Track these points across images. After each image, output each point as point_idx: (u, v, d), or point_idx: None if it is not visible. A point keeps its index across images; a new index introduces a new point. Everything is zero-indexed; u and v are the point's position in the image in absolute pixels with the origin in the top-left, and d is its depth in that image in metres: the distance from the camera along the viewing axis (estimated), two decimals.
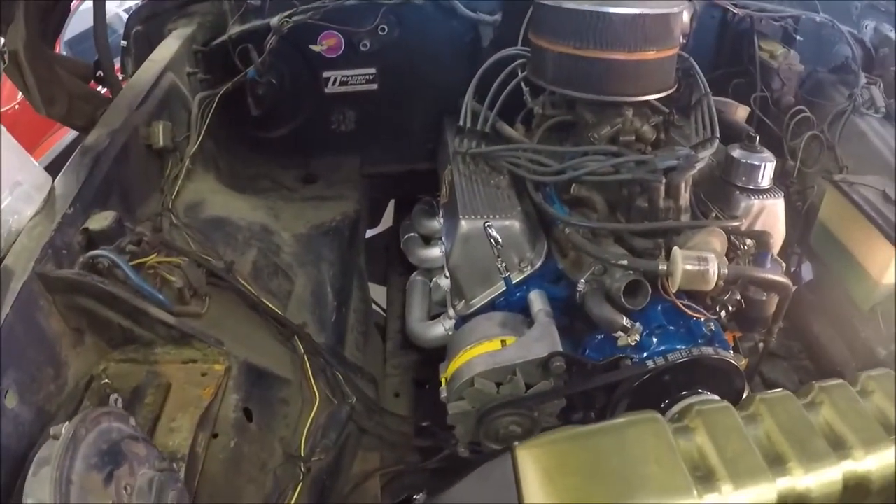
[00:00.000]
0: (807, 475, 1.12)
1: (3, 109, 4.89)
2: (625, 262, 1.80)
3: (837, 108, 2.68)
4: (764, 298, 1.98)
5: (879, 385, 1.28)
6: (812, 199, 2.53)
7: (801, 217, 2.54)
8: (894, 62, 2.81)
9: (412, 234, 2.71)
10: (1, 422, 1.33)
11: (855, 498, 1.13)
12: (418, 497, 1.53)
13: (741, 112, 2.54)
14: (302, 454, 1.82)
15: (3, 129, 1.90)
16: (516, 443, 1.24)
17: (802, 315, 2.53)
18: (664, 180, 1.89)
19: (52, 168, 1.94)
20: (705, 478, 1.12)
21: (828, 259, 2.47)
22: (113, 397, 1.38)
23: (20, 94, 4.92)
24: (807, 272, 2.68)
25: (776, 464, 1.14)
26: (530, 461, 1.19)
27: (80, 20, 4.37)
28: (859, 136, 2.59)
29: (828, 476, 1.13)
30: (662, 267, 1.76)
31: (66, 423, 1.15)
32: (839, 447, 1.15)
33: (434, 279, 2.39)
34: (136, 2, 6.61)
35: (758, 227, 2.06)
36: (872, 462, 1.13)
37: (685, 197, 1.95)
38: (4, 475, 1.30)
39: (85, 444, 1.14)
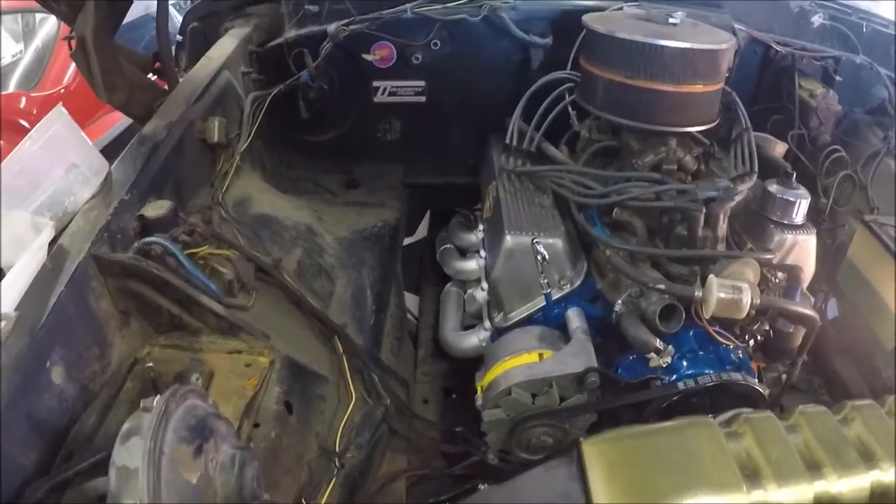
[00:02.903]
0: (839, 480, 1.21)
1: (47, 93, 5.01)
2: (661, 287, 1.84)
3: (872, 150, 2.71)
4: (791, 330, 2.01)
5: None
6: (842, 238, 2.56)
7: (830, 254, 2.57)
8: None
9: (448, 245, 2.76)
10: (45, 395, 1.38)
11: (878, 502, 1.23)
12: (483, 487, 1.58)
13: (779, 148, 2.57)
14: (337, 450, 1.86)
15: (64, 111, 1.97)
16: (582, 438, 1.32)
17: (825, 351, 2.55)
18: (704, 210, 1.94)
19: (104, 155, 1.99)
20: (751, 477, 1.20)
21: (854, 297, 2.49)
22: (193, 376, 1.42)
23: (65, 79, 5.07)
24: (832, 309, 2.71)
25: (813, 469, 1.22)
26: (596, 455, 1.27)
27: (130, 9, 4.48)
28: (892, 177, 2.61)
29: (857, 483, 1.21)
30: (698, 293, 1.80)
31: (157, 396, 1.19)
32: (868, 459, 1.24)
33: (469, 291, 2.43)
34: None
35: (789, 261, 2.08)
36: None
37: (723, 227, 1.99)
38: (43, 450, 1.34)
39: (175, 418, 1.17)
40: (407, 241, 3.24)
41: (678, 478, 1.21)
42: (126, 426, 1.15)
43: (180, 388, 1.25)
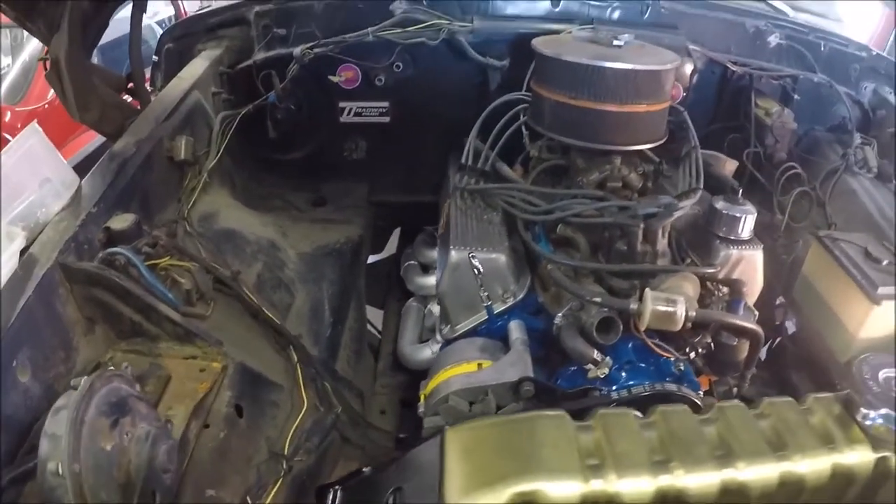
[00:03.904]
0: (686, 475, 1.25)
1: (32, 108, 5.08)
2: (599, 300, 1.89)
3: (831, 167, 2.76)
4: (735, 343, 2.03)
5: (775, 409, 1.42)
6: (797, 253, 2.60)
7: (786, 270, 2.61)
8: (893, 123, 2.88)
9: (412, 262, 2.82)
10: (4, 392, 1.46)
11: (733, 500, 1.27)
12: (366, 469, 1.68)
13: (729, 166, 2.63)
14: (285, 453, 1.92)
15: (39, 129, 2.07)
16: (447, 426, 1.41)
17: (784, 365, 2.59)
18: (642, 226, 1.99)
19: (78, 170, 2.08)
20: (594, 467, 1.25)
21: (809, 311, 2.51)
22: (124, 365, 1.53)
23: (49, 95, 5.15)
24: (791, 325, 2.74)
25: (659, 463, 1.27)
26: (455, 440, 1.37)
27: (113, 28, 4.54)
28: (850, 194, 2.66)
29: (706, 479, 1.26)
30: (633, 306, 1.84)
31: (85, 377, 1.32)
32: (723, 457, 1.28)
33: (428, 306, 2.50)
34: (167, 14, 6.94)
35: (736, 276, 2.12)
36: (751, 473, 1.26)
37: (662, 242, 2.05)
38: (8, 443, 1.43)
39: (98, 395, 1.32)
40: (374, 258, 3.31)
41: (521, 461, 1.27)
42: (58, 402, 1.30)
43: (106, 371, 1.40)
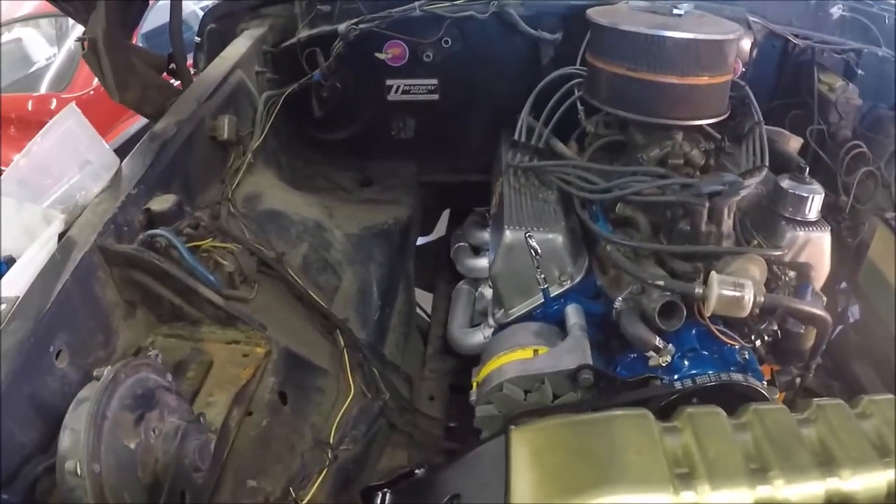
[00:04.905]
0: (787, 486, 1.11)
1: (77, 95, 5.15)
2: (661, 283, 1.81)
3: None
4: (802, 331, 1.94)
5: (878, 409, 1.28)
6: (863, 237, 2.50)
7: (851, 254, 2.51)
8: None
9: (462, 243, 2.76)
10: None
11: None
12: (419, 471, 1.58)
13: (794, 143, 2.52)
14: (331, 441, 1.88)
15: (78, 111, 2.04)
16: (512, 426, 1.29)
17: (846, 355, 2.49)
18: (707, 205, 1.90)
19: (120, 152, 2.06)
20: (684, 476, 1.12)
21: (875, 298, 2.43)
22: (153, 353, 1.47)
23: (94, 81, 5.22)
24: (854, 312, 2.64)
25: (757, 471, 1.14)
26: (522, 441, 1.25)
27: (157, 14, 4.58)
28: None
29: (809, 489, 1.11)
30: (698, 290, 1.76)
31: (108, 367, 1.26)
32: (826, 463, 1.15)
33: (479, 289, 2.44)
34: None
35: (802, 259, 2.03)
36: (858, 482, 1.12)
37: (728, 223, 1.95)
38: (43, 431, 1.39)
39: (122, 387, 1.25)
40: (424, 239, 3.28)
41: (600, 467, 1.15)
42: (80, 394, 1.24)
43: (133, 360, 1.35)
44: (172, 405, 1.36)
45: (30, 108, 4.95)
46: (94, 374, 1.25)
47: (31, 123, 4.78)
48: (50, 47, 5.51)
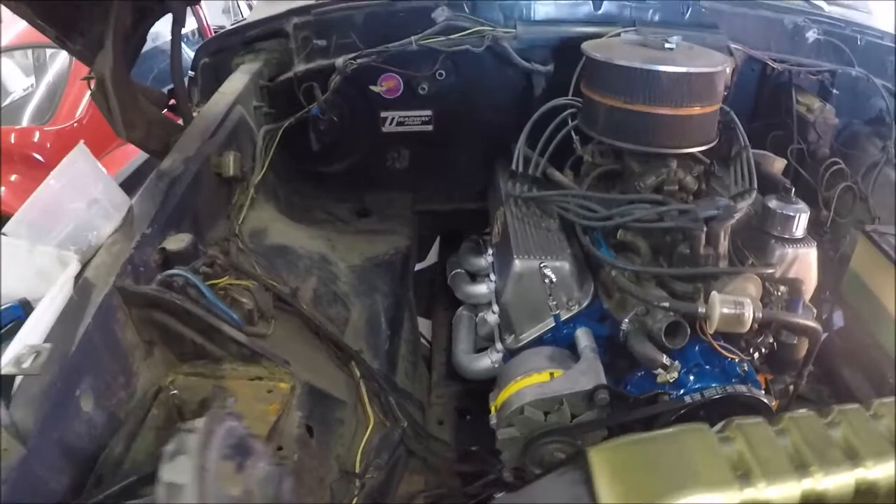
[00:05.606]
0: (825, 478, 1.26)
1: (60, 127, 5.08)
2: (666, 305, 1.90)
3: (871, 160, 2.76)
4: (795, 342, 2.05)
5: (888, 410, 1.43)
6: (844, 249, 2.60)
7: (833, 265, 2.60)
8: None
9: (459, 270, 2.80)
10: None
11: (864, 499, 1.29)
12: (499, 496, 1.63)
13: (778, 164, 2.61)
14: (357, 471, 1.91)
15: (85, 149, 2.04)
16: (587, 447, 1.37)
17: (833, 361, 2.58)
18: (705, 229, 1.98)
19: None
20: (743, 476, 1.26)
21: (858, 306, 2.51)
22: (230, 401, 1.47)
23: (77, 114, 5.14)
24: (839, 319, 2.74)
25: (800, 468, 1.28)
26: (601, 461, 1.33)
27: None
28: (892, 186, 2.66)
29: (842, 480, 1.27)
30: (701, 309, 1.85)
31: (199, 419, 1.26)
32: (852, 457, 1.30)
33: (480, 314, 2.47)
34: (191, 28, 6.91)
35: (791, 274, 2.12)
36: (880, 471, 1.27)
37: (724, 245, 2.03)
38: (73, 476, 1.40)
39: (217, 437, 1.25)
40: (418, 266, 3.29)
41: (674, 479, 1.27)
42: (171, 446, 1.21)
43: (220, 411, 1.35)
44: (260, 451, 1.36)
45: (12, 140, 4.87)
46: (186, 426, 1.25)
47: (14, 157, 4.74)
48: (26, 77, 5.43)
